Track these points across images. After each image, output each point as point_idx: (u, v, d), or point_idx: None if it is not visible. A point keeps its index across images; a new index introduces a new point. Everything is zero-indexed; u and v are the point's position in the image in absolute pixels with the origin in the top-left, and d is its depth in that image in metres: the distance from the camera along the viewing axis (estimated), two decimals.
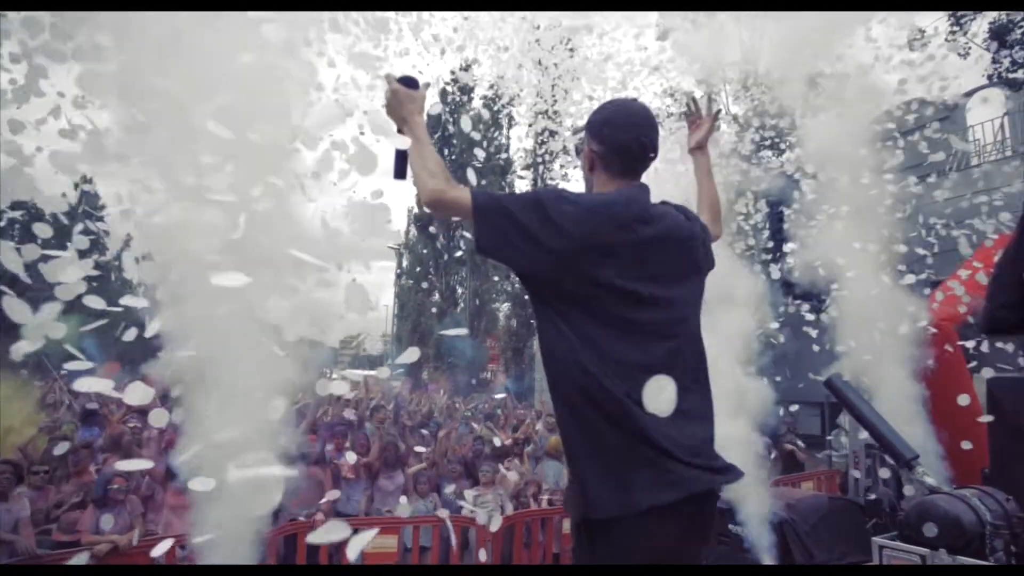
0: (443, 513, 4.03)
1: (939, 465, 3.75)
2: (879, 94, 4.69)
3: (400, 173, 1.54)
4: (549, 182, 22.46)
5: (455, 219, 1.49)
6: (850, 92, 4.45)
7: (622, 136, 1.43)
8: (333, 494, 2.74)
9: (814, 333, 4.66)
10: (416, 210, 23.59)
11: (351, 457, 4.75)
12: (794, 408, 5.78)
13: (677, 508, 1.23)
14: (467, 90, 23.60)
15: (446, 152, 21.33)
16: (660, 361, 1.28)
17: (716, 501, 1.38)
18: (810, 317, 4.68)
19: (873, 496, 4.66)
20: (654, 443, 1.24)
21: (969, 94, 10.37)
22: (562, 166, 22.24)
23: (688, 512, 1.27)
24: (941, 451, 3.99)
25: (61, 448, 2.68)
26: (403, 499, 4.53)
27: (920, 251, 4.73)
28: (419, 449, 5.32)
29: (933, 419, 3.97)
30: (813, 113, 4.65)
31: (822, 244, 4.26)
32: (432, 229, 23.97)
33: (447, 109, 23.40)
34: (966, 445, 3.44)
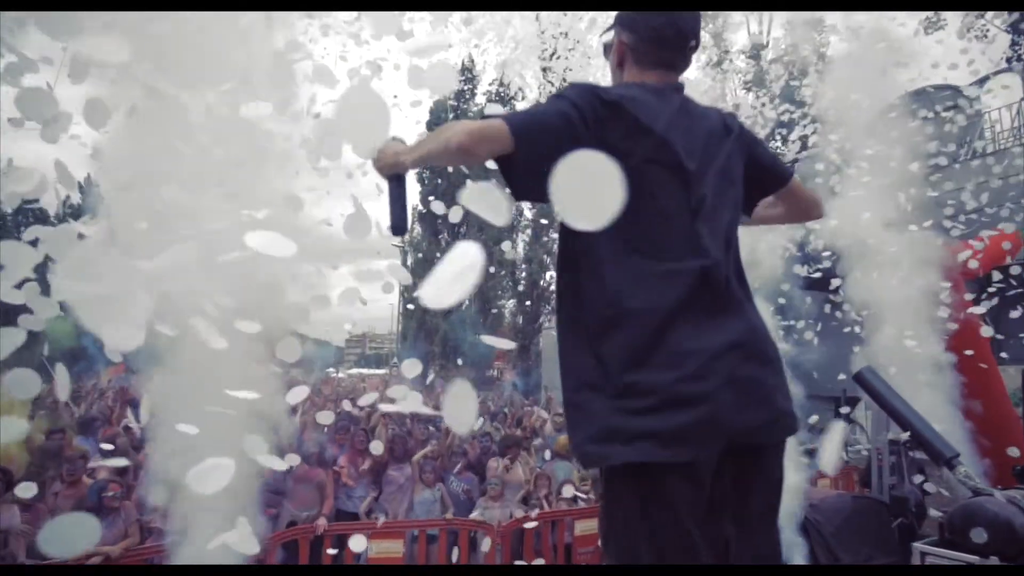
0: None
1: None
2: (905, 54, 4.49)
3: (399, 221, 1.37)
4: None
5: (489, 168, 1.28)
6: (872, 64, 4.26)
7: (655, 21, 1.27)
8: (359, 541, 2.59)
9: (841, 328, 4.45)
10: (422, 208, 23.43)
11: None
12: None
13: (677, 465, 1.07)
14: (472, 79, 23.32)
15: None
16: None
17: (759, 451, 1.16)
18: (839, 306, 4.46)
19: (898, 494, 4.47)
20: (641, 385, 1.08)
21: (986, 78, 10.09)
22: None
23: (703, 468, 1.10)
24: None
25: (27, 490, 2.50)
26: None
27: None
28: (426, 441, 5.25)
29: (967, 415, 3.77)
30: (831, 91, 4.46)
31: (847, 230, 4.06)
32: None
33: (452, 98, 23.09)
34: (1013, 451, 3.25)
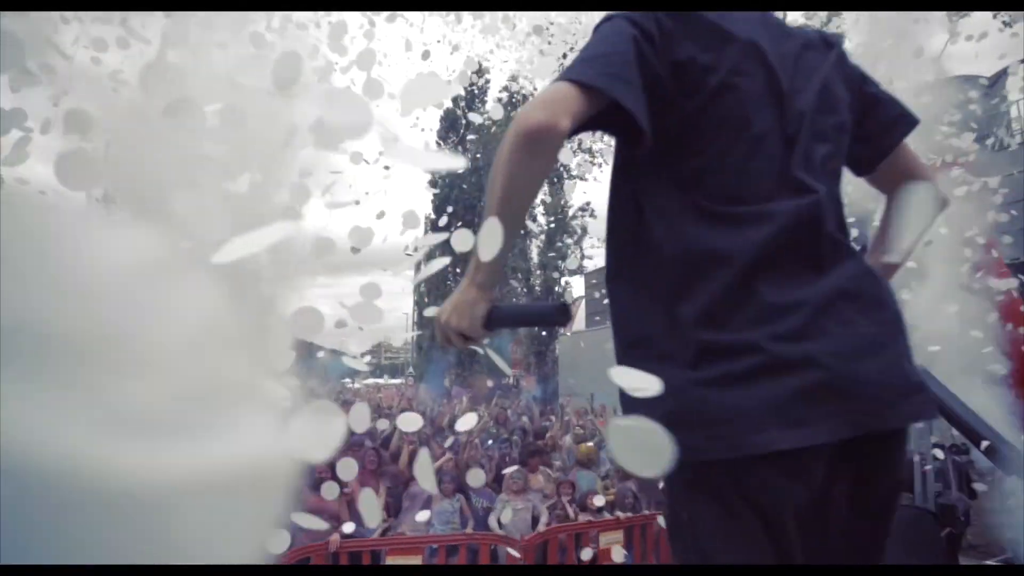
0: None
1: None
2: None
3: (550, 315, 1.07)
4: (567, 181, 22.10)
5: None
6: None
7: None
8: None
9: None
10: (433, 216, 23.40)
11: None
12: None
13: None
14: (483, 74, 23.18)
15: (460, 150, 21.04)
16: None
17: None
18: None
19: (946, 502, 4.23)
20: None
21: (1009, 68, 9.78)
22: (579, 165, 21.81)
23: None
24: None
25: None
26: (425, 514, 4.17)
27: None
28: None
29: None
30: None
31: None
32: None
33: (463, 101, 22.91)
34: None
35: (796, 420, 0.80)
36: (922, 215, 1.08)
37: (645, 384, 0.67)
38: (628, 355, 0.97)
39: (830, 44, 1.04)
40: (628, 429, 0.60)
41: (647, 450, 0.59)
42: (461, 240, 1.03)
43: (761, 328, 0.84)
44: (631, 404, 0.92)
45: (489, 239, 0.84)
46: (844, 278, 0.89)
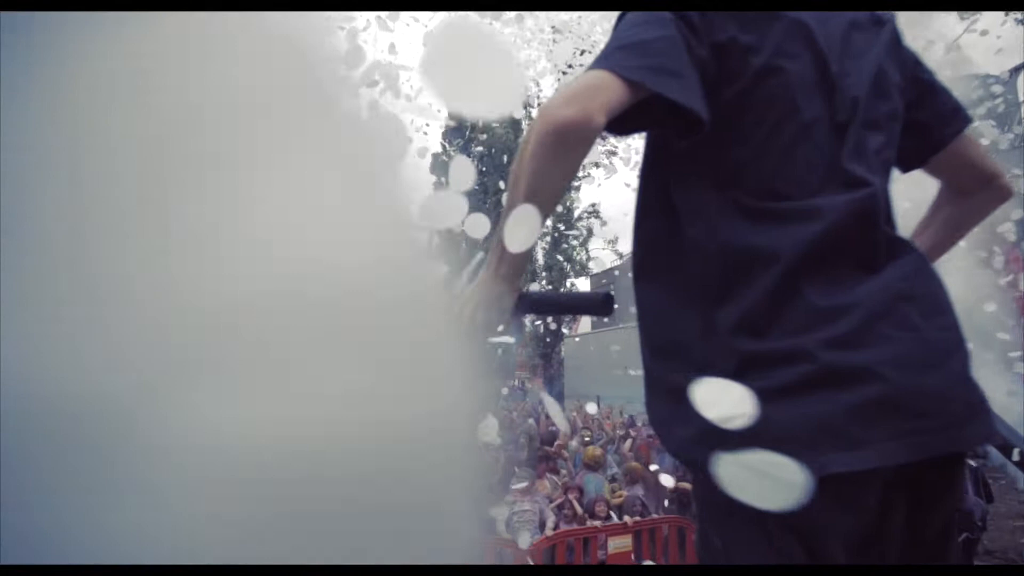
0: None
1: None
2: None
3: (593, 303, 0.99)
4: (572, 182, 22.01)
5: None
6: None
7: None
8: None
9: None
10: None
11: None
12: None
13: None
14: None
15: (470, 156, 20.87)
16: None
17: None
18: None
19: (963, 507, 4.15)
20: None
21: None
22: (584, 165, 21.73)
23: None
24: None
25: None
26: None
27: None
28: None
29: None
30: None
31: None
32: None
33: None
34: None
35: (852, 440, 0.70)
36: (979, 214, 1.02)
37: (738, 410, 0.60)
38: (657, 362, 0.88)
39: (881, 22, 0.92)
40: (743, 461, 0.54)
41: (768, 481, 0.53)
42: (475, 226, 0.97)
43: (810, 334, 0.74)
44: (666, 414, 0.84)
45: (519, 228, 0.75)
46: (899, 278, 0.80)
